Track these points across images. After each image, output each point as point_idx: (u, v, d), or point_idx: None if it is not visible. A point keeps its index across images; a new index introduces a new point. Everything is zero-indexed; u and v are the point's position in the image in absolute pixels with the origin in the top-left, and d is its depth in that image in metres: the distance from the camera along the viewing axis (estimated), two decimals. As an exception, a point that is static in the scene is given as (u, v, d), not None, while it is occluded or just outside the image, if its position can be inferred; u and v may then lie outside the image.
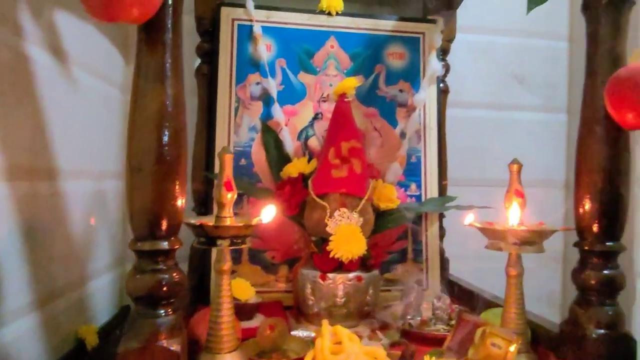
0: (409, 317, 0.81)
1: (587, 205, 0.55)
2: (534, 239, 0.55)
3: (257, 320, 0.76)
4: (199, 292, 0.84)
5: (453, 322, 0.74)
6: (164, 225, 0.46)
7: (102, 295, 0.89)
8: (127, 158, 0.46)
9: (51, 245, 0.68)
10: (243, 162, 0.91)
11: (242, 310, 0.75)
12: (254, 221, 0.53)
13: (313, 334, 0.68)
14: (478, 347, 0.58)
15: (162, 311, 0.46)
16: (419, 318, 0.81)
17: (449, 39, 1.02)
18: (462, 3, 1.02)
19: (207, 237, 0.53)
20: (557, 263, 1.17)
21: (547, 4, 0.62)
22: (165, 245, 0.46)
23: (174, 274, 0.47)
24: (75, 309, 0.77)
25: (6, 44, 0.55)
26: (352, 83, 0.84)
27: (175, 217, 0.47)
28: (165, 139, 0.46)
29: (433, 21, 1.00)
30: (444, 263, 0.97)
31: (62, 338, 0.72)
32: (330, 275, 0.75)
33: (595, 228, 0.54)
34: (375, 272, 0.79)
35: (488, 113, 1.15)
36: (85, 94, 0.79)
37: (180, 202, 0.48)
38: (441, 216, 0.99)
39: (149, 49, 0.45)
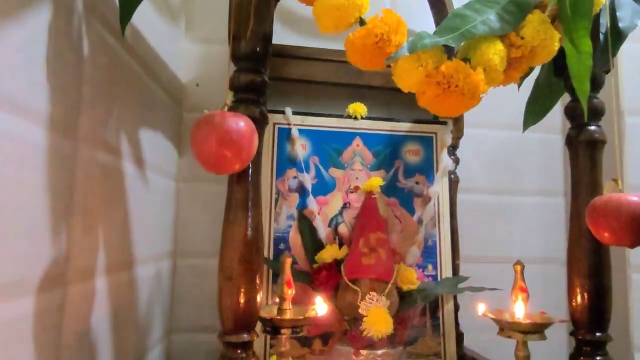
0: (430, 389, 0.92)
1: (579, 302, 0.67)
2: (537, 329, 0.68)
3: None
4: None
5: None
6: (247, 323, 0.59)
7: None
8: (219, 270, 0.60)
9: (125, 326, 0.81)
10: (282, 246, 1.05)
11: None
12: (311, 314, 0.66)
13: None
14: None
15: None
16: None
17: (457, 136, 1.19)
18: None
19: (273, 327, 0.66)
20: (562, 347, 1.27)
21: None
22: (246, 337, 0.59)
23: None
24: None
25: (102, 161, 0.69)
26: (378, 182, 0.99)
27: (254, 314, 0.60)
28: (253, 250, 0.60)
29: (444, 122, 1.17)
30: (459, 336, 1.08)
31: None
32: (362, 351, 0.87)
33: (586, 320, 0.67)
34: (400, 348, 0.91)
35: (492, 198, 1.30)
36: (153, 190, 0.95)
37: (258, 300, 0.61)
38: (455, 296, 1.11)
39: (238, 187, 0.60)
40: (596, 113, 0.71)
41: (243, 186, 0.60)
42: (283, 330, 0.65)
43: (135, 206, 0.82)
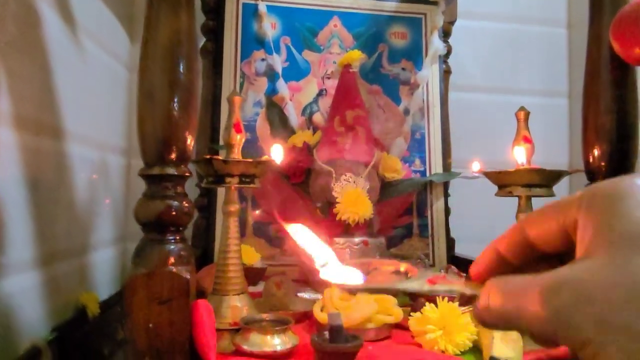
0: (416, 285, 0.80)
1: (596, 146, 0.55)
2: (543, 181, 0.55)
3: (263, 286, 0.75)
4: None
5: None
6: (174, 152, 0.46)
7: (104, 269, 0.88)
8: (139, 85, 0.46)
9: (54, 206, 0.68)
10: (248, 136, 0.91)
11: (248, 274, 0.74)
12: (264, 158, 0.53)
13: (320, 296, 0.67)
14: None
15: (171, 237, 0.45)
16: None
17: (450, 20, 1.04)
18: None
19: (216, 176, 0.52)
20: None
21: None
22: (174, 171, 0.46)
23: (184, 203, 0.46)
24: (77, 276, 0.76)
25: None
26: (357, 55, 0.85)
27: (185, 146, 0.47)
28: (179, 68, 0.46)
29: (434, 2, 1.02)
30: (450, 241, 0.96)
31: (63, 303, 0.71)
32: (336, 239, 0.75)
33: (604, 168, 0.54)
34: (381, 238, 0.78)
35: (488, 97, 1.16)
36: (92, 63, 0.80)
37: (190, 134, 0.48)
38: (446, 195, 0.99)
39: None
40: None
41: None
42: (228, 179, 0.52)
43: (61, 66, 0.68)
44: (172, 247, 0.45)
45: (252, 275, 0.75)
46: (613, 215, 0.20)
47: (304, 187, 0.83)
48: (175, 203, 0.46)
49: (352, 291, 0.51)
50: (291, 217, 0.88)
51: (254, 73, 0.94)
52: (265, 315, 0.51)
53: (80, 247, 0.78)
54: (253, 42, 0.94)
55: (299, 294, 0.72)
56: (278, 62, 0.93)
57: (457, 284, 0.28)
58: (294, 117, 0.92)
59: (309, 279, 0.78)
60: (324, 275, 0.28)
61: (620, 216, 0.20)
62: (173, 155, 0.46)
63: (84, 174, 0.78)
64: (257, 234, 0.88)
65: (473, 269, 0.27)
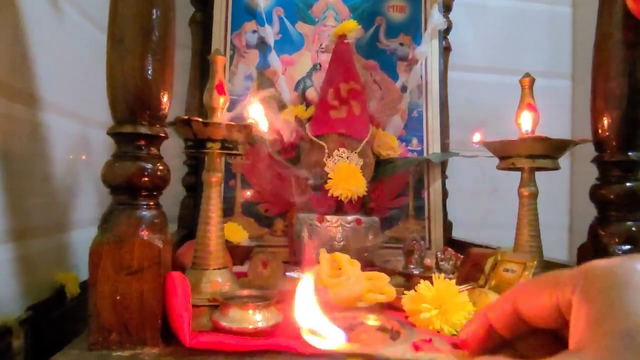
0: (411, 266, 0.76)
1: (606, 113, 0.51)
2: (548, 151, 0.51)
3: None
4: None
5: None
6: (147, 108, 0.41)
7: (84, 250, 0.84)
8: (108, 30, 0.42)
9: (28, 179, 0.63)
10: (237, 111, 0.87)
11: (234, 253, 0.70)
12: (248, 121, 0.49)
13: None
14: (489, 275, 0.54)
15: (143, 203, 0.41)
16: (422, 269, 0.77)
17: (451, -6, 1.00)
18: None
19: (196, 141, 0.48)
20: (563, 231, 1.13)
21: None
22: (147, 130, 0.42)
23: (158, 165, 0.42)
24: (54, 255, 0.72)
25: None
26: (352, 25, 0.81)
27: (159, 104, 0.43)
28: (153, 13, 0.41)
29: (435, -25, 0.97)
30: (446, 224, 0.92)
31: (40, 282, 0.67)
32: (328, 217, 0.71)
33: (615, 137, 0.50)
34: (375, 217, 0.75)
35: (489, 77, 1.12)
36: (71, 29, 0.76)
37: (165, 91, 0.44)
38: (444, 177, 0.95)
39: None
40: None
41: None
42: (209, 144, 0.48)
43: (37, 28, 0.63)
44: (145, 213, 0.41)
45: (239, 253, 0.71)
46: (608, 307, 0.19)
47: (295, 162, 0.78)
48: (149, 165, 0.42)
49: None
50: (281, 201, 0.84)
51: (244, 45, 0.89)
52: (247, 292, 0.47)
53: (59, 224, 0.74)
54: (244, 12, 0.90)
55: (287, 274, 0.68)
56: (270, 34, 0.89)
57: (444, 353, 0.27)
58: (286, 92, 0.88)
59: (298, 257, 0.75)
60: (307, 339, 0.27)
61: (615, 309, 0.19)
62: (147, 113, 0.41)
63: (62, 147, 0.73)
64: (246, 213, 0.84)
65: (462, 336, 0.26)
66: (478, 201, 1.09)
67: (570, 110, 1.15)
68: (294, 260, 0.76)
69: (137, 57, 0.41)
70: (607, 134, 0.51)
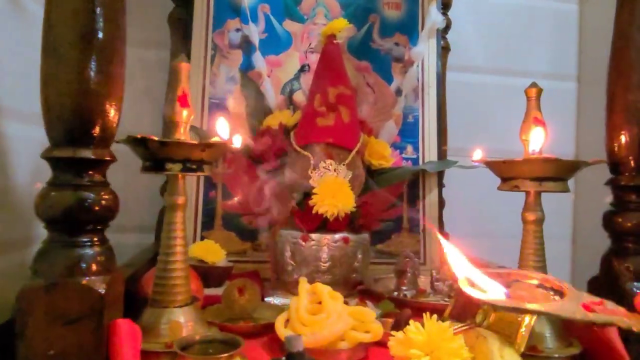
0: (404, 288, 0.70)
1: (624, 130, 0.44)
2: (557, 173, 0.45)
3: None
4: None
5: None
6: (91, 128, 0.35)
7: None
8: (42, 37, 0.35)
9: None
10: (219, 115, 0.81)
11: (210, 275, 0.64)
12: (213, 140, 0.43)
13: (290, 301, 0.57)
14: (487, 312, 0.48)
15: (84, 239, 0.35)
16: (415, 291, 0.71)
17: (450, -10, 0.93)
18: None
19: (154, 160, 0.42)
20: (565, 241, 1.07)
21: None
22: (90, 154, 0.35)
23: (102, 194, 0.36)
24: (19, 272, 0.66)
25: None
26: (342, 24, 0.74)
27: (105, 122, 0.36)
28: (96, 15, 0.35)
29: (433, -31, 0.90)
30: (444, 236, 0.86)
31: (2, 302, 0.61)
32: (313, 235, 0.65)
33: (634, 158, 0.44)
34: (365, 235, 0.68)
35: (490, 78, 1.06)
36: (32, 24, 0.69)
37: (113, 106, 0.37)
38: (441, 186, 0.89)
39: None
40: None
41: None
42: (169, 165, 0.42)
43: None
44: (86, 251, 0.35)
45: (216, 275, 0.65)
46: None
47: (278, 175, 0.72)
48: (92, 195, 0.36)
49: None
50: (263, 209, 0.78)
51: (227, 45, 0.83)
52: (211, 334, 0.41)
53: (22, 239, 0.68)
54: (227, 9, 0.83)
55: (266, 299, 0.63)
56: (255, 32, 0.82)
57: (618, 315, 0.26)
58: (272, 96, 0.81)
59: (280, 277, 0.69)
60: (464, 288, 0.27)
61: None
62: (91, 133, 0.35)
63: (25, 156, 0.67)
64: (227, 226, 0.78)
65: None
66: (478, 210, 1.03)
67: (575, 114, 1.09)
68: (276, 280, 0.70)
69: (75, 70, 0.34)
70: (625, 153, 0.45)
